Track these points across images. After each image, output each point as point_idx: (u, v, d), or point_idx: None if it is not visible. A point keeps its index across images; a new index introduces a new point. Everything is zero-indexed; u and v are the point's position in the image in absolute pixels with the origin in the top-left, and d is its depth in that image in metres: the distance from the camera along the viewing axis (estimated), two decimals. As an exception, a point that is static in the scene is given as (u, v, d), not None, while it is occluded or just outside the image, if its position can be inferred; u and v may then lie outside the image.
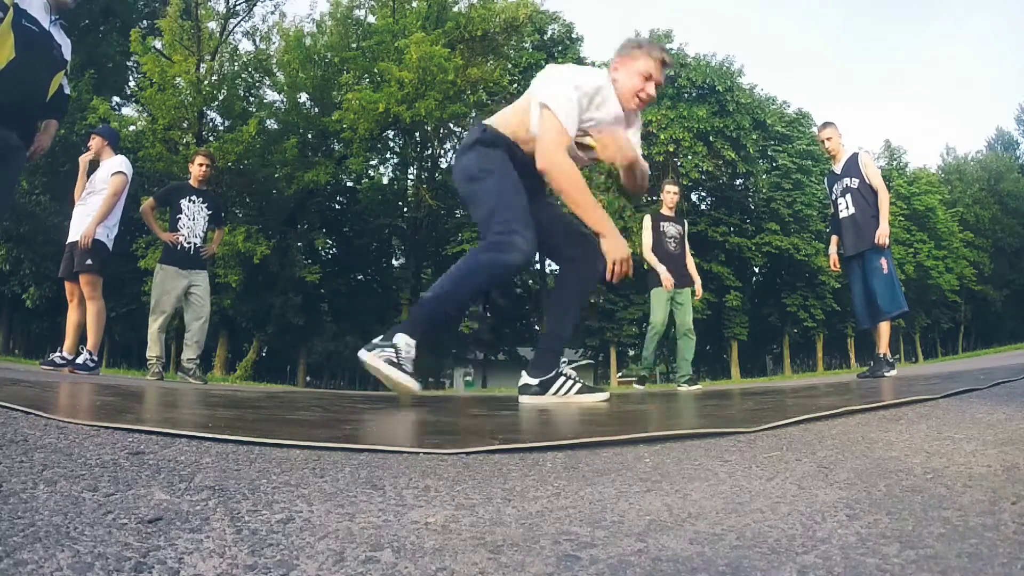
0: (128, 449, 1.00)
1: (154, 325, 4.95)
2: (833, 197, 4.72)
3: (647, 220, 5.53)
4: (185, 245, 5.05)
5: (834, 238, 4.81)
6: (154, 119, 17.67)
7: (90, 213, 4.51)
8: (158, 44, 19.15)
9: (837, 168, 4.70)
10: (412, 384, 2.21)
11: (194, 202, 5.16)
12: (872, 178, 4.50)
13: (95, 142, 4.80)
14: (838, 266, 4.77)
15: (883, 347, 4.41)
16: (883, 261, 4.41)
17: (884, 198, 4.46)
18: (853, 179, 4.56)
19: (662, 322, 5.41)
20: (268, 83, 21.50)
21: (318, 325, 23.65)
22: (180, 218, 5.07)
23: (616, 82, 2.39)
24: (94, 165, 4.78)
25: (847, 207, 4.56)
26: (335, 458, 1.04)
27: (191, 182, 5.26)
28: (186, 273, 5.03)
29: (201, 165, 5.24)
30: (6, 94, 2.81)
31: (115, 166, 4.65)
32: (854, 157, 4.62)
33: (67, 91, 3.35)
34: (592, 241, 2.39)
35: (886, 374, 4.26)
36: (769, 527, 0.64)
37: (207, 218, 5.20)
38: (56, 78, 3.12)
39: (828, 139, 4.76)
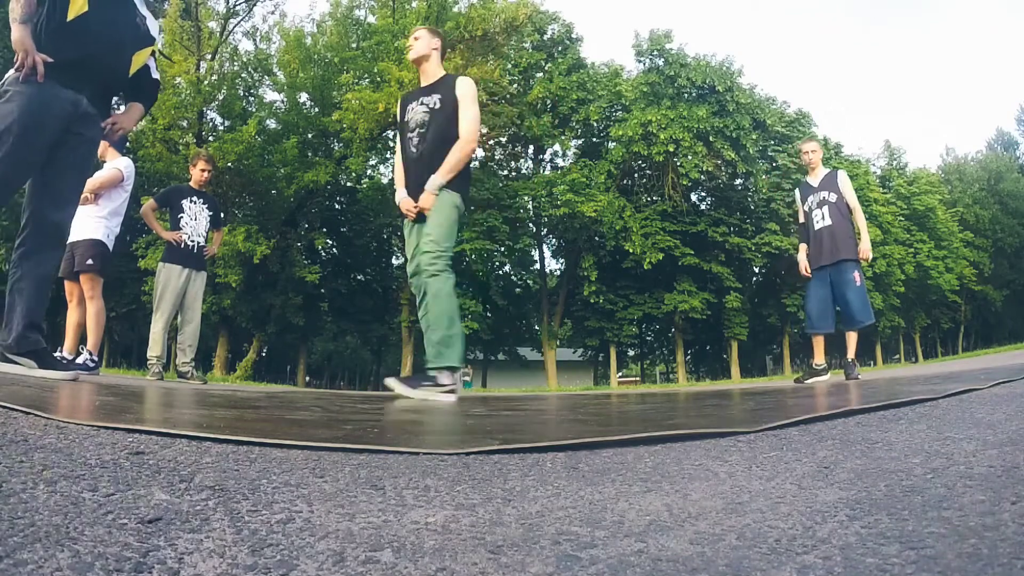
0: (128, 449, 1.00)
1: (157, 324, 4.95)
2: (807, 208, 4.93)
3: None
4: (188, 243, 5.06)
5: (803, 246, 5.00)
6: (154, 119, 17.65)
7: (91, 214, 4.50)
8: (158, 44, 19.12)
9: (813, 181, 4.94)
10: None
11: (195, 203, 5.17)
12: (851, 197, 4.77)
13: (100, 145, 4.82)
14: (809, 271, 4.90)
15: (852, 353, 4.67)
16: (856, 274, 4.65)
17: (863, 217, 4.77)
18: (831, 193, 4.79)
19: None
20: (268, 83, 21.50)
21: (318, 325, 23.64)
22: (182, 217, 5.08)
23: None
24: (100, 166, 4.79)
25: (823, 218, 4.76)
26: (335, 458, 1.04)
27: (191, 184, 5.27)
28: (188, 272, 5.04)
29: (203, 171, 5.25)
30: (74, 49, 2.44)
31: (115, 165, 4.64)
32: (833, 174, 4.89)
33: (155, 76, 2.96)
34: None
35: (858, 376, 4.48)
36: (769, 527, 0.64)
37: (208, 219, 5.22)
38: (141, 54, 2.77)
39: (813, 151, 5.00)
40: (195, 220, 5.13)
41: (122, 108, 2.99)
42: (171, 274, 5.00)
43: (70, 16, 2.45)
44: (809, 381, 4.62)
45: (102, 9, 2.55)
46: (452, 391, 2.79)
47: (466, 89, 3.10)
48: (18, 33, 2.31)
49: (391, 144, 23.35)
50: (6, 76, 2.43)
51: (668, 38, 23.39)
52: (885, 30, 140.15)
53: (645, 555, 0.56)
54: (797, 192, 5.15)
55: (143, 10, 2.80)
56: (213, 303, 17.79)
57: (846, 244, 4.66)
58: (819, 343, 4.81)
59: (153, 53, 2.90)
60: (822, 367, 4.75)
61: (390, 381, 2.96)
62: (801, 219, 5.02)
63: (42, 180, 2.54)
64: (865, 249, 4.62)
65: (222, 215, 5.73)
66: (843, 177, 4.87)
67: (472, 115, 3.05)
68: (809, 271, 4.89)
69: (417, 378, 2.86)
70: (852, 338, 4.68)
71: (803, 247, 4.99)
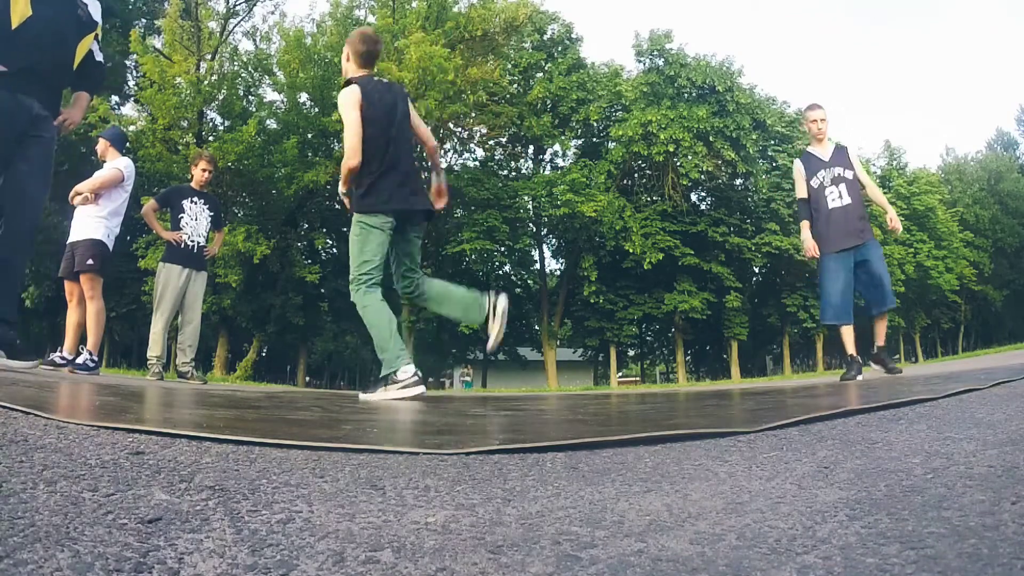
0: (128, 449, 1.00)
1: (157, 324, 4.95)
2: (816, 183, 4.41)
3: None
4: (188, 243, 5.07)
5: (806, 223, 4.44)
6: (154, 119, 17.67)
7: (91, 213, 4.51)
8: (158, 44, 19.16)
9: (823, 155, 4.45)
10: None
11: (196, 203, 5.17)
12: (863, 173, 4.43)
13: (100, 145, 4.84)
14: (817, 251, 4.33)
15: (883, 340, 4.22)
16: (881, 252, 4.31)
17: (879, 190, 4.39)
18: (847, 170, 4.35)
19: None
20: (268, 83, 21.52)
21: (318, 325, 23.64)
22: (182, 218, 5.09)
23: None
24: (100, 166, 4.80)
25: (840, 196, 4.31)
26: (335, 458, 1.04)
27: (192, 184, 5.28)
28: (188, 272, 5.04)
29: (204, 170, 5.26)
30: (23, 56, 2.53)
31: (115, 165, 4.65)
32: (844, 149, 4.47)
33: (99, 58, 2.99)
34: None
35: (896, 368, 4.08)
36: (769, 527, 0.64)
37: (209, 219, 5.22)
38: (84, 42, 2.82)
39: (823, 120, 4.48)
40: (196, 220, 5.13)
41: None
42: (171, 274, 5.00)
43: (14, 23, 2.51)
44: (860, 377, 4.11)
45: (43, 9, 2.59)
46: (415, 384, 2.79)
47: (340, 101, 2.97)
48: None
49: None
50: None
51: (668, 38, 23.40)
52: (885, 30, 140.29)
53: (645, 555, 0.56)
54: (799, 164, 4.56)
55: None
56: (213, 303, 17.80)
57: (867, 225, 4.28)
58: (850, 333, 4.31)
59: (96, 36, 2.93)
60: (859, 360, 4.27)
61: (360, 397, 2.99)
62: (803, 194, 4.49)
63: (6, 183, 2.62)
64: (894, 218, 4.28)
65: (223, 216, 5.75)
66: (854, 153, 4.48)
67: (346, 129, 2.90)
68: (817, 251, 4.34)
69: (378, 383, 2.88)
70: (883, 325, 4.27)
71: (806, 224, 4.45)
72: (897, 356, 34.93)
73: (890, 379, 3.68)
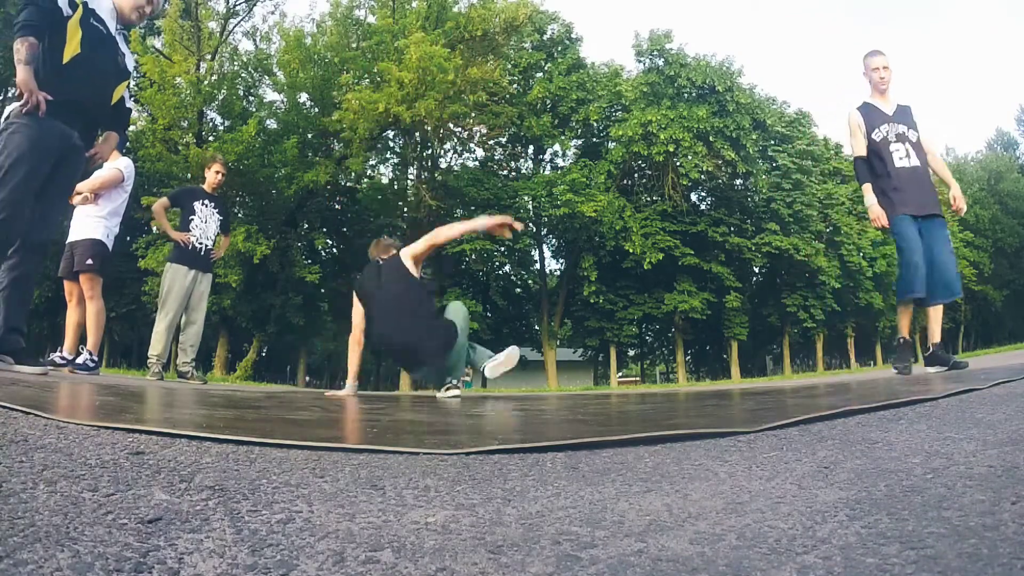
0: (128, 449, 1.00)
1: (161, 324, 4.95)
2: (879, 136, 3.75)
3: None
4: (196, 245, 5.07)
5: (869, 187, 3.75)
6: (154, 119, 17.67)
7: (91, 213, 4.51)
8: (158, 44, 19.15)
9: (885, 107, 3.83)
10: None
11: (207, 205, 5.19)
12: (929, 140, 3.80)
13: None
14: (885, 220, 3.67)
15: (939, 335, 3.72)
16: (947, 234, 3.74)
17: (943, 162, 3.84)
18: (912, 131, 3.75)
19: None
20: (268, 83, 21.51)
21: (318, 325, 23.62)
22: (192, 219, 5.10)
23: None
24: (98, 166, 4.79)
25: (908, 156, 3.68)
26: (335, 458, 1.04)
27: (204, 187, 5.31)
28: (194, 273, 5.05)
29: (218, 173, 5.31)
30: (70, 90, 2.75)
31: (115, 165, 4.65)
32: (908, 109, 3.85)
33: (128, 105, 3.30)
34: None
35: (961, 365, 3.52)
36: (769, 527, 0.64)
37: (218, 222, 5.24)
38: (120, 87, 3.09)
39: (885, 68, 3.86)
40: (205, 223, 5.15)
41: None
42: (178, 275, 5.01)
43: (65, 59, 2.75)
44: (933, 370, 3.56)
45: (91, 50, 2.84)
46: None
47: None
48: (23, 74, 2.61)
49: (391, 144, 23.38)
50: (8, 110, 2.71)
51: (668, 38, 23.39)
52: (885, 31, 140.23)
53: (645, 555, 0.56)
54: (857, 116, 3.86)
55: (123, 47, 3.11)
56: (213, 303, 17.77)
57: (935, 197, 3.71)
58: (909, 314, 3.82)
59: (128, 85, 3.24)
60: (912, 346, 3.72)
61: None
62: (861, 151, 3.82)
63: (34, 206, 2.81)
64: (959, 196, 3.69)
65: (231, 221, 5.79)
66: (917, 115, 3.84)
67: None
68: (885, 220, 3.68)
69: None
70: (939, 315, 3.72)
71: (869, 188, 3.75)
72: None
73: (890, 379, 3.62)
